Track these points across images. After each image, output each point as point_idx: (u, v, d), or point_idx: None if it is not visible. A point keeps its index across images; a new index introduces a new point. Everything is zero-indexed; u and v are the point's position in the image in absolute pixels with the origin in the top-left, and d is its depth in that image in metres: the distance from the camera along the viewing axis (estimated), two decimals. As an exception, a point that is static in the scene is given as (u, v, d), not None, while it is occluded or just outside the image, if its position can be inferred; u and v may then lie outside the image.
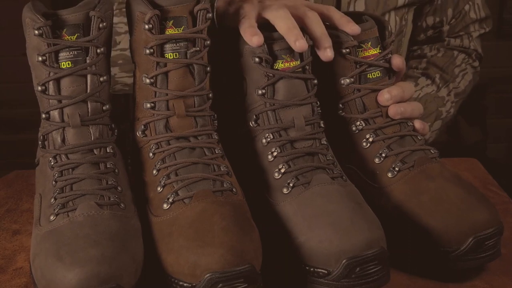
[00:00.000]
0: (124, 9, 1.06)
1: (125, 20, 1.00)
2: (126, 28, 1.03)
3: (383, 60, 0.81)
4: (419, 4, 1.13)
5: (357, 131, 0.81)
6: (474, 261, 0.72)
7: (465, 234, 0.71)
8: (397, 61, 0.82)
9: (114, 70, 1.06)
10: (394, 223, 0.75)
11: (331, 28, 0.81)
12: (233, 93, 0.81)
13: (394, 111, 0.80)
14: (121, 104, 1.08)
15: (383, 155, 0.79)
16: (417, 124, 0.83)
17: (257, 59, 0.76)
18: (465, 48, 1.18)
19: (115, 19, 1.00)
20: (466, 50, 1.18)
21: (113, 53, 1.03)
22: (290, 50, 0.76)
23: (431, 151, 0.79)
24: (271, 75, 0.76)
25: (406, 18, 1.12)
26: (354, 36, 0.79)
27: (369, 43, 0.80)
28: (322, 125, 0.78)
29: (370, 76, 0.81)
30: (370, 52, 0.81)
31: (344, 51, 0.79)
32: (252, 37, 0.75)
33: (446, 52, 1.17)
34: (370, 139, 0.80)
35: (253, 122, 0.78)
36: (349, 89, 0.81)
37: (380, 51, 0.81)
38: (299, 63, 0.77)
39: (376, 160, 0.79)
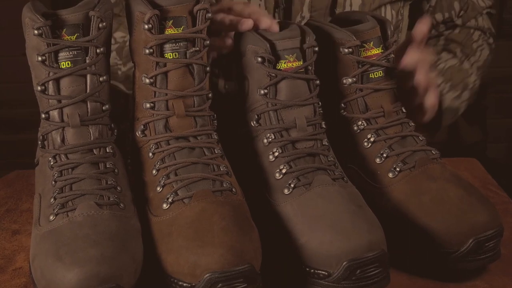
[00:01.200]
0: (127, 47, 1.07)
1: (120, 62, 0.99)
2: (123, 69, 1.04)
3: (385, 60, 0.81)
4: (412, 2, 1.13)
5: (358, 131, 0.81)
6: (474, 262, 0.72)
7: (466, 236, 0.71)
8: (421, 28, 0.83)
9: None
10: (395, 223, 0.75)
11: (333, 27, 0.81)
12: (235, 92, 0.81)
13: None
14: (121, 104, 1.08)
15: (384, 155, 0.78)
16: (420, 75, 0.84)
17: (259, 59, 0.76)
18: (479, 26, 1.19)
19: (113, 59, 1.00)
20: (481, 28, 1.19)
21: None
22: (293, 51, 0.76)
23: (432, 151, 0.79)
24: (273, 75, 0.76)
25: (402, 13, 1.12)
26: (356, 35, 0.79)
27: (371, 42, 0.80)
28: (323, 126, 0.78)
29: (372, 76, 0.81)
30: (373, 52, 0.81)
31: (346, 50, 0.79)
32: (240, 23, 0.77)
33: (462, 29, 1.18)
34: (372, 139, 0.80)
35: (254, 122, 0.77)
36: (351, 88, 0.81)
37: (383, 51, 0.81)
38: (301, 63, 0.76)
39: (377, 160, 0.79)
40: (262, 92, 0.76)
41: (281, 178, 0.74)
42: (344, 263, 0.65)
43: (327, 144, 0.77)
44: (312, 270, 0.67)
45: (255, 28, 0.80)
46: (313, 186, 0.72)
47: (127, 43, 0.79)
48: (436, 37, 1.20)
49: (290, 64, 0.76)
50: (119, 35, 1.05)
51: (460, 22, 1.18)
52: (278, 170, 0.74)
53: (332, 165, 0.75)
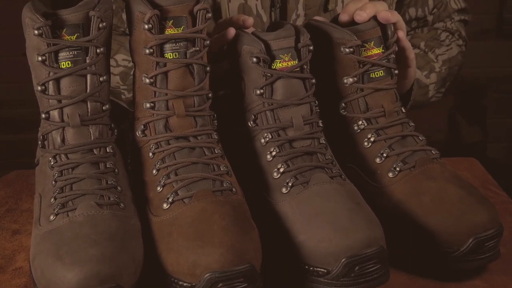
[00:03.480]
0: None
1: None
2: (127, 95, 1.04)
3: (386, 60, 0.81)
4: None
5: (359, 130, 0.81)
6: (474, 262, 0.72)
7: (465, 235, 0.71)
8: (401, 35, 0.83)
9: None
10: (395, 223, 0.75)
11: (334, 27, 0.81)
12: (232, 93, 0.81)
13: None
14: (121, 104, 1.08)
15: (384, 155, 0.79)
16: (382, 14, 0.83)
17: (255, 59, 0.76)
18: (448, 28, 1.19)
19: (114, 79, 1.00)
20: (450, 30, 1.19)
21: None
22: (287, 50, 0.76)
23: (432, 151, 0.79)
24: (269, 75, 0.76)
25: (392, 9, 1.12)
26: (357, 35, 0.79)
27: (372, 42, 0.80)
28: (320, 124, 0.78)
29: (373, 76, 0.81)
30: (373, 52, 0.81)
31: (347, 50, 0.79)
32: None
33: (430, 30, 1.18)
34: (372, 139, 0.80)
35: (251, 122, 0.77)
36: (352, 88, 0.81)
37: (383, 50, 0.81)
38: (297, 62, 0.77)
39: (377, 160, 0.79)
40: (258, 92, 0.76)
41: (279, 177, 0.74)
42: (343, 260, 0.66)
43: (324, 142, 0.77)
44: (311, 268, 0.67)
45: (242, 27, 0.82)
46: (311, 185, 0.72)
47: (132, 71, 0.79)
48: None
49: (285, 64, 0.76)
50: (121, 57, 1.04)
51: (431, 20, 1.18)
52: (276, 169, 0.74)
53: (329, 163, 0.75)
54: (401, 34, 0.85)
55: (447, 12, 1.18)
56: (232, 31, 0.80)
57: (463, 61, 1.20)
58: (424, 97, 1.09)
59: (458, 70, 1.19)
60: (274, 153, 0.75)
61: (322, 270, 0.67)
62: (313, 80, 0.78)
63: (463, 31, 1.20)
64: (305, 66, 0.77)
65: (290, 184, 0.73)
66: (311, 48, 0.77)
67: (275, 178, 0.74)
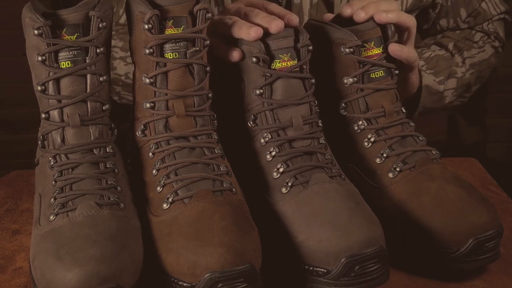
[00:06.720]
0: (120, 31, 1.05)
1: (120, 44, 0.98)
2: (121, 53, 1.03)
3: (386, 60, 0.81)
4: (418, 12, 1.11)
5: (359, 130, 0.81)
6: (474, 262, 0.72)
7: (465, 236, 0.71)
8: (392, 48, 0.81)
9: (118, 88, 1.06)
10: (394, 223, 0.75)
11: (334, 27, 0.81)
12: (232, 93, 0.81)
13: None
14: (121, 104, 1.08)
15: (384, 155, 0.78)
16: (392, 46, 0.82)
17: (254, 59, 0.76)
18: (484, 29, 1.14)
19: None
20: (486, 31, 1.14)
21: (112, 76, 1.02)
22: (287, 50, 0.76)
23: (433, 152, 0.79)
24: (268, 75, 0.76)
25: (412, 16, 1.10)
26: (357, 35, 0.79)
27: (372, 42, 0.80)
28: (320, 124, 0.78)
29: (373, 76, 0.81)
30: (373, 52, 0.81)
31: (347, 50, 0.79)
32: (249, 30, 0.75)
33: (463, 30, 1.14)
34: (372, 139, 0.80)
35: (251, 122, 0.77)
36: (352, 88, 0.81)
37: (383, 51, 0.81)
38: (296, 62, 0.77)
39: (377, 160, 0.79)
40: (257, 92, 0.76)
41: (278, 177, 0.74)
42: (343, 259, 0.66)
43: (324, 142, 0.77)
44: (311, 268, 0.67)
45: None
46: (311, 185, 0.72)
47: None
48: (434, 35, 1.16)
49: (285, 64, 0.76)
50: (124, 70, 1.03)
51: (465, 27, 1.14)
52: (275, 169, 0.74)
53: (329, 163, 0.75)
54: (392, 47, 0.82)
55: (486, 19, 1.13)
56: (236, 55, 0.77)
57: (498, 63, 1.15)
58: (439, 103, 1.05)
59: (491, 73, 1.14)
60: (273, 153, 0.75)
61: (322, 270, 0.67)
62: (313, 80, 0.78)
63: (501, 32, 1.16)
64: (304, 66, 0.77)
65: (289, 184, 0.73)
66: (311, 48, 0.77)
67: (275, 178, 0.74)
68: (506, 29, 1.19)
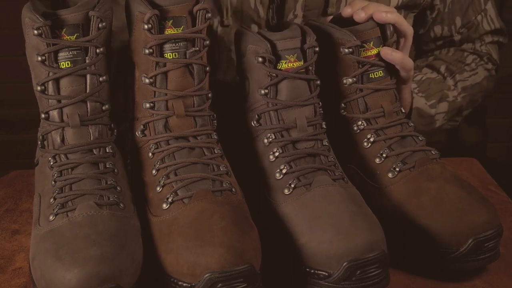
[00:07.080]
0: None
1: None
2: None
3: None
4: (417, 11, 1.11)
5: (358, 130, 0.81)
6: (474, 262, 0.72)
7: (465, 236, 0.71)
8: (384, 52, 0.81)
9: None
10: (394, 223, 0.75)
11: (333, 27, 0.81)
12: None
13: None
14: (121, 104, 1.08)
15: (384, 155, 0.78)
16: (384, 50, 0.81)
17: (260, 59, 0.76)
18: (477, 51, 1.13)
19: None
20: (478, 53, 1.13)
21: None
22: (293, 51, 0.76)
23: (432, 152, 0.79)
24: (274, 75, 0.76)
25: (409, 23, 1.09)
26: (356, 35, 0.79)
27: (371, 42, 0.80)
28: (324, 126, 0.78)
29: (373, 76, 0.81)
30: (372, 52, 0.81)
31: (346, 50, 0.79)
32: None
33: (456, 52, 1.13)
34: (371, 139, 0.80)
35: (255, 122, 0.77)
36: (351, 88, 0.81)
37: None
38: (302, 63, 0.76)
39: (377, 160, 0.79)
40: (262, 92, 0.76)
41: (281, 178, 0.74)
42: (344, 263, 0.65)
43: (327, 144, 0.77)
44: (312, 271, 0.67)
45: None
46: (314, 187, 0.72)
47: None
48: (427, 52, 1.15)
49: (291, 64, 0.76)
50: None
51: (458, 39, 1.12)
52: (278, 170, 0.74)
53: (332, 166, 0.75)
54: (383, 51, 0.81)
55: (477, 33, 1.12)
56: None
57: (491, 87, 1.13)
58: (429, 127, 1.04)
59: (483, 97, 1.12)
60: (277, 153, 0.75)
61: (323, 273, 0.67)
62: (318, 82, 0.78)
63: (494, 54, 1.14)
64: (310, 68, 0.77)
65: (292, 185, 0.73)
66: (317, 49, 0.77)
67: (278, 179, 0.74)
68: (506, 29, 1.19)
